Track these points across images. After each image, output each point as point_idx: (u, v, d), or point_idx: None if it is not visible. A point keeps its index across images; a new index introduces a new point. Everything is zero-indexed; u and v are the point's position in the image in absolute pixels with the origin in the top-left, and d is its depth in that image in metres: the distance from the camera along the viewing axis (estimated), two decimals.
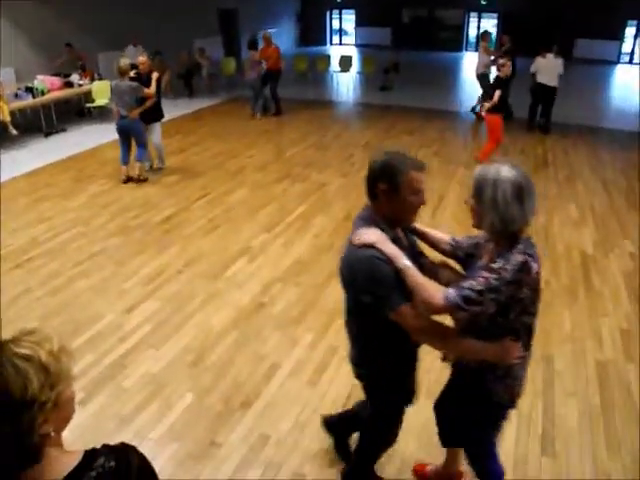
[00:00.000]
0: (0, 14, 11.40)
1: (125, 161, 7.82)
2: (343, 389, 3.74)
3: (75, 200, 7.25)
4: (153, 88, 7.65)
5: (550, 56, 10.02)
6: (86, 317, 4.65)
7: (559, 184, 7.59)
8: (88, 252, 5.81)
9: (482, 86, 11.41)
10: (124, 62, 7.38)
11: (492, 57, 11.06)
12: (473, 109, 11.60)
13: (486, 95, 11.41)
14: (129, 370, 4.00)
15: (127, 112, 7.43)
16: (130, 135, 7.70)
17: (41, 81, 10.63)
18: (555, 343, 4.26)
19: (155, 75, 7.78)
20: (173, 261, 5.55)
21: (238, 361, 4.06)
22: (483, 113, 8.05)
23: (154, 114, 7.94)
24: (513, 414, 3.51)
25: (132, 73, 7.66)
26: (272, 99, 11.88)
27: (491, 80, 11.12)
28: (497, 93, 7.77)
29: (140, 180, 7.81)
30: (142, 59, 7.92)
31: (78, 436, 3.38)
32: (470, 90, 14.29)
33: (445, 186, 7.42)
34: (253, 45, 11.82)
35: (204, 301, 4.84)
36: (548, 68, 9.98)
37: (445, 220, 6.36)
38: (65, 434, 1.31)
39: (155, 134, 8.10)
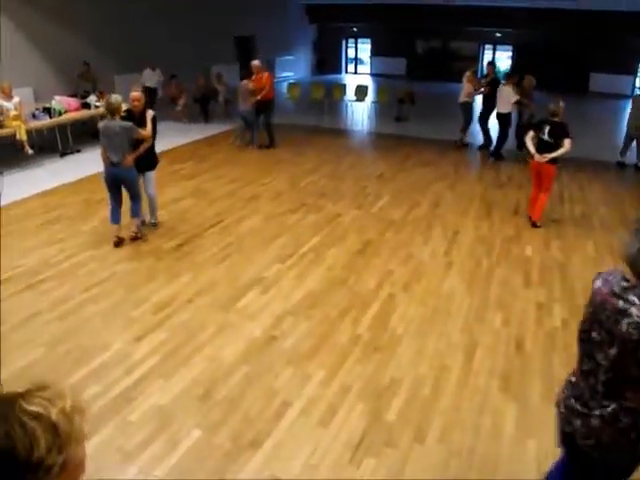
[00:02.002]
0: None
1: (117, 219, 6.56)
2: (355, 431, 3.62)
3: (87, 223, 7.21)
4: (149, 129, 6.47)
5: (501, 85, 10.55)
6: (94, 345, 4.56)
7: (575, 221, 7.49)
8: (98, 277, 5.74)
9: (464, 116, 11.50)
10: (116, 99, 6.12)
11: (475, 87, 11.28)
12: (460, 142, 11.65)
13: (467, 124, 11.50)
14: (136, 402, 3.89)
15: (120, 158, 6.19)
16: (121, 186, 6.49)
17: (58, 102, 10.71)
18: None
19: (150, 114, 6.54)
20: (184, 289, 5.47)
21: (248, 397, 3.94)
22: (541, 160, 6.94)
23: (149, 161, 6.78)
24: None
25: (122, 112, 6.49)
26: (266, 130, 11.42)
27: (475, 109, 11.40)
28: (568, 142, 6.78)
29: (137, 238, 6.65)
30: (136, 94, 6.52)
31: None
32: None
33: (460, 221, 7.32)
34: (248, 75, 11.30)
35: (215, 332, 4.74)
36: (500, 96, 10.46)
37: (460, 257, 6.26)
38: None
39: (150, 185, 6.95)
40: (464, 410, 3.83)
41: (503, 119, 10.57)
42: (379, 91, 15.74)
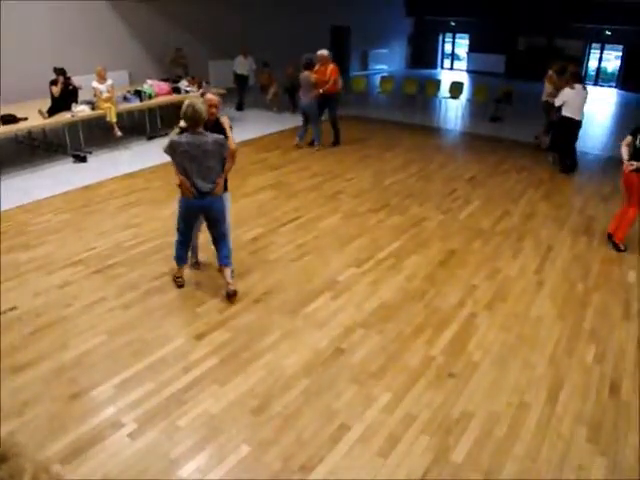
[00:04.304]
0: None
1: (186, 259, 5.28)
2: (416, 468, 3.25)
3: (165, 208, 7.14)
4: (233, 140, 4.98)
5: (579, 87, 9.14)
6: (153, 339, 4.42)
7: None
8: (169, 266, 5.60)
9: (545, 117, 10.62)
10: (199, 106, 4.49)
11: (557, 88, 9.96)
12: (539, 144, 10.76)
13: (547, 127, 10.42)
14: (187, 407, 3.69)
15: (212, 185, 4.72)
16: (203, 220, 5.08)
17: (150, 85, 10.82)
18: None
19: (227, 121, 5.06)
20: (253, 288, 5.23)
21: (305, 415, 3.65)
22: (627, 170, 6.14)
23: (224, 180, 5.07)
24: None
25: (181, 123, 4.74)
26: (332, 127, 10.63)
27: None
28: None
29: (235, 295, 5.00)
30: (215, 98, 5.00)
31: (122, 471, 3.13)
32: (587, 127, 13.30)
33: (554, 235, 6.71)
34: (309, 65, 10.15)
35: (279, 338, 4.48)
36: (576, 100, 9.12)
37: (554, 275, 5.69)
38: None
39: (227, 211, 5.17)
40: (542, 460, 3.35)
41: (577, 128, 9.34)
42: (476, 89, 15.04)
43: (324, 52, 10.16)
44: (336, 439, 3.46)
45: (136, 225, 6.62)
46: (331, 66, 10.11)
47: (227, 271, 5.03)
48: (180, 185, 4.82)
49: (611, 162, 10.17)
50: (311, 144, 10.49)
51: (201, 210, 4.88)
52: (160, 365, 4.11)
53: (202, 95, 5.12)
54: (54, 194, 7.60)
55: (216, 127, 4.89)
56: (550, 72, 10.48)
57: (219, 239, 4.99)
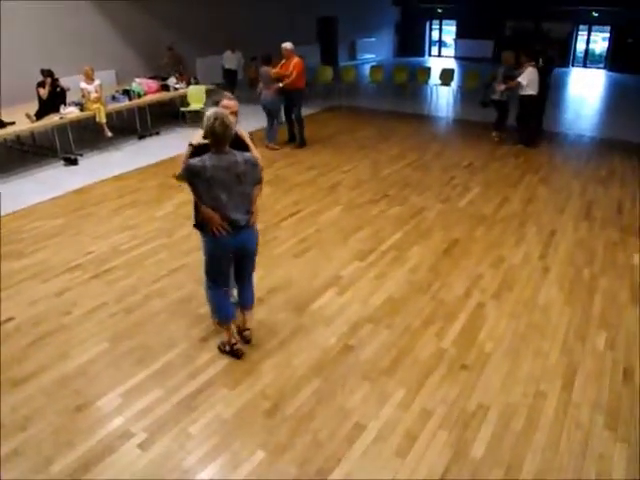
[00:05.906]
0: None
1: (232, 313, 4.21)
2: (436, 466, 3.17)
3: (161, 209, 7.03)
4: (258, 156, 3.91)
5: (533, 65, 9.56)
6: (158, 343, 4.31)
7: None
8: (168, 267, 5.51)
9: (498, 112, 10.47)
10: (228, 118, 3.47)
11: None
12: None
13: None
14: (197, 413, 3.59)
15: (247, 216, 3.80)
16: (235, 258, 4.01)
17: (138, 84, 10.65)
18: None
19: (245, 133, 4.10)
20: (257, 285, 5.03)
21: (319, 415, 3.56)
22: None
23: None
24: None
25: (197, 137, 3.83)
26: (298, 126, 9.94)
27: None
28: None
29: (249, 342, 4.31)
30: (231, 103, 4.05)
31: None
32: (579, 109, 13.32)
33: (556, 219, 6.64)
34: (268, 60, 9.56)
35: (287, 337, 4.38)
36: (537, 78, 9.55)
37: (559, 261, 5.62)
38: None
39: None
40: (563, 450, 3.28)
41: (537, 102, 9.78)
42: (467, 76, 14.90)
43: (287, 45, 9.42)
44: (352, 439, 3.37)
45: (132, 227, 6.49)
46: (295, 60, 9.41)
47: (252, 314, 4.42)
48: (206, 220, 3.74)
49: (605, 144, 10.14)
50: (288, 142, 10.15)
51: (236, 248, 3.88)
52: (166, 371, 4.01)
53: (216, 104, 3.99)
54: (46, 199, 7.46)
55: (234, 141, 3.72)
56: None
57: (248, 277, 4.21)
